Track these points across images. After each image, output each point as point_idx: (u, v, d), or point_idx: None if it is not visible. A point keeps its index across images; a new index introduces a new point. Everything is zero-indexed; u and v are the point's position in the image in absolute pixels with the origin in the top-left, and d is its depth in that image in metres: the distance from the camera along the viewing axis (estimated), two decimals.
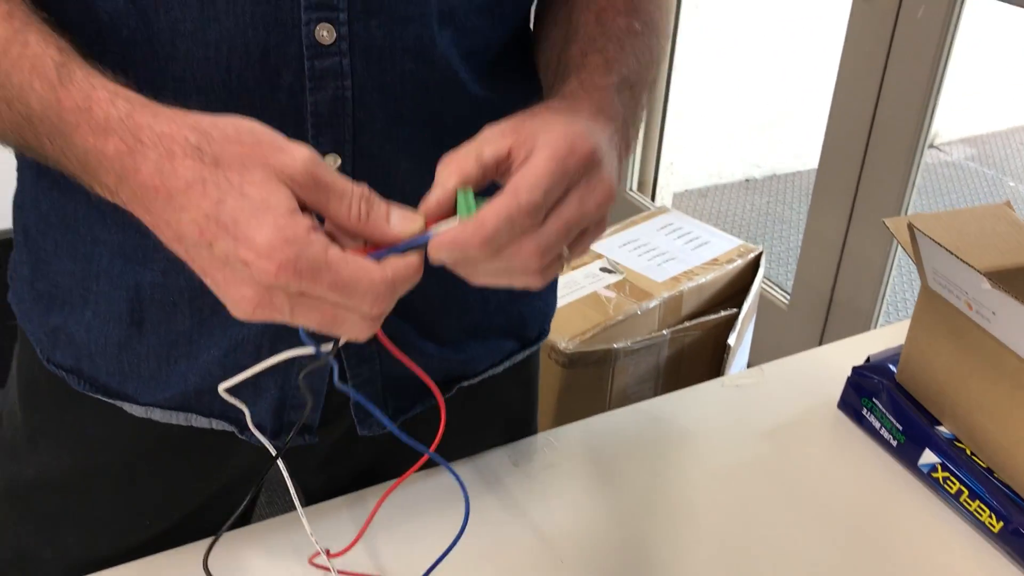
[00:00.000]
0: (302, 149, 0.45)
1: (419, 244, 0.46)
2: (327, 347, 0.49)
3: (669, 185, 2.69)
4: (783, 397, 0.88)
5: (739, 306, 1.34)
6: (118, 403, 0.66)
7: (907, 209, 1.66)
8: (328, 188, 0.45)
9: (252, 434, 0.63)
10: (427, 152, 0.55)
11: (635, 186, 2.51)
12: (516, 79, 0.67)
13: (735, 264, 1.40)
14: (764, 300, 2.02)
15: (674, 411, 0.85)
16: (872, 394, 0.84)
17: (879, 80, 1.64)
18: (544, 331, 0.80)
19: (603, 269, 1.37)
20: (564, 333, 1.23)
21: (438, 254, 0.46)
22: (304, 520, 0.64)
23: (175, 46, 0.54)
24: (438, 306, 0.68)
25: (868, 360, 0.87)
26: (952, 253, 0.73)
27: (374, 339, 0.49)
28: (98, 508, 0.71)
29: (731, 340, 1.27)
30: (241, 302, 0.45)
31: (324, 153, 0.57)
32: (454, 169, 0.48)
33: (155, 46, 0.54)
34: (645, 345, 1.24)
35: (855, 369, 0.86)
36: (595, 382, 1.23)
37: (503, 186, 0.47)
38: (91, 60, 0.49)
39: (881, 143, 1.67)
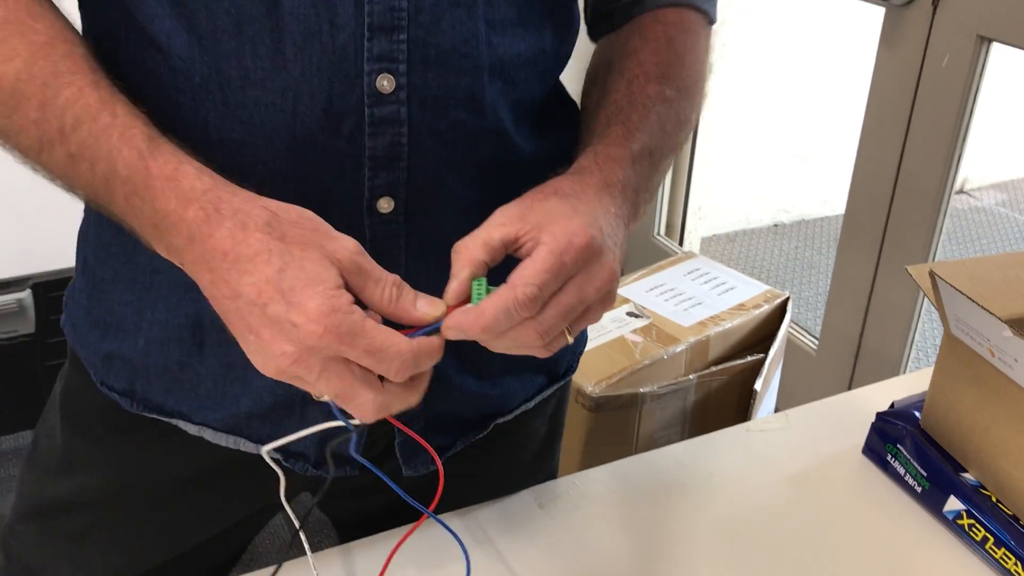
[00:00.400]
0: (350, 240, 0.52)
1: (434, 328, 0.53)
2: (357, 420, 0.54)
3: (697, 230, 2.70)
4: (808, 442, 0.89)
5: (766, 351, 1.34)
6: (173, 421, 0.70)
7: (935, 255, 1.66)
8: (368, 273, 0.52)
9: (298, 462, 0.68)
10: (474, 196, 0.62)
11: (663, 231, 2.52)
12: (557, 130, 0.71)
13: (762, 309, 1.41)
14: (792, 345, 2.02)
15: (699, 456, 0.86)
16: (896, 440, 0.84)
17: (905, 127, 1.65)
18: (572, 367, 0.84)
19: (630, 314, 1.38)
20: (591, 377, 1.24)
21: (448, 335, 0.53)
22: (314, 571, 0.65)
23: (244, 93, 0.58)
24: (478, 348, 0.71)
25: (892, 406, 0.88)
26: (973, 300, 0.74)
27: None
28: (128, 528, 0.75)
29: (758, 385, 1.28)
30: (280, 357, 0.50)
31: (379, 195, 0.62)
32: (465, 261, 0.54)
33: (226, 92, 0.58)
34: (671, 390, 1.25)
35: (879, 415, 0.86)
36: (622, 426, 1.24)
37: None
38: (169, 135, 0.55)
39: (908, 189, 1.67)
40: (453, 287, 0.54)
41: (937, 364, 0.84)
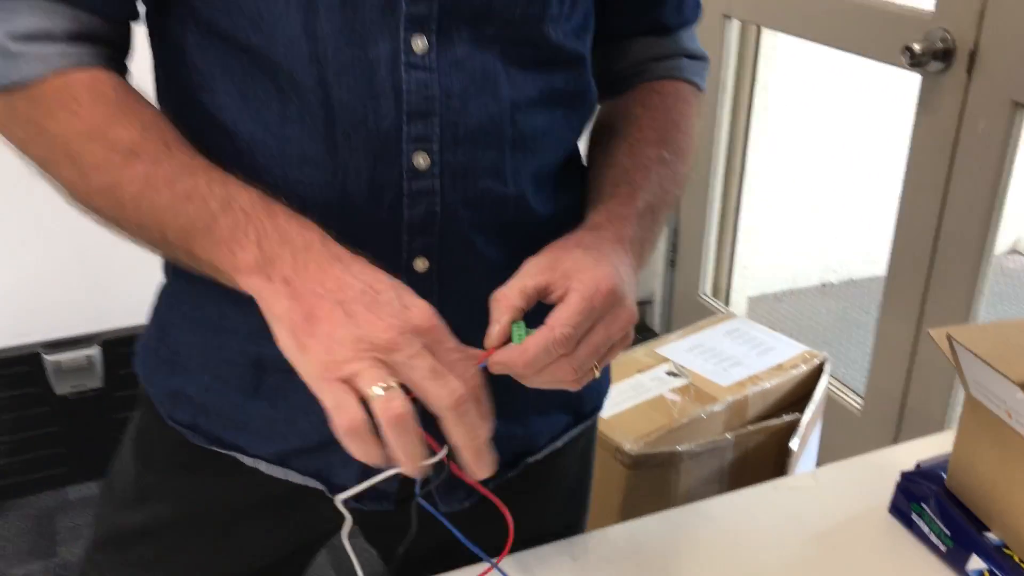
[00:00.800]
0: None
1: (482, 366, 0.61)
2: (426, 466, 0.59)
3: (744, 289, 2.72)
4: (836, 501, 0.91)
5: (803, 411, 1.37)
6: (232, 453, 0.77)
7: (977, 316, 1.67)
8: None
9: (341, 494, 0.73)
10: (499, 254, 0.69)
11: (708, 290, 2.55)
12: (574, 191, 0.79)
13: (799, 370, 1.43)
14: (836, 405, 2.02)
15: (728, 512, 0.89)
16: (921, 499, 0.87)
17: (943, 190, 1.68)
18: (598, 406, 0.90)
19: (669, 373, 1.42)
20: (629, 435, 1.28)
21: (494, 369, 0.61)
22: None
23: (302, 171, 0.67)
24: (507, 389, 0.77)
25: (918, 466, 0.91)
26: (986, 363, 0.77)
27: None
28: (195, 554, 0.82)
29: (793, 444, 1.30)
30: (384, 330, 0.56)
31: (415, 256, 0.69)
32: (505, 307, 0.62)
33: (285, 170, 0.67)
34: (709, 448, 1.28)
35: (904, 475, 0.89)
36: (660, 484, 1.27)
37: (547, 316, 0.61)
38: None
39: (947, 251, 1.70)
40: (496, 331, 0.61)
41: (960, 425, 0.86)
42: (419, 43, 0.65)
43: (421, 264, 0.69)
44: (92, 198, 0.64)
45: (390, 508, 0.78)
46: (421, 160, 0.67)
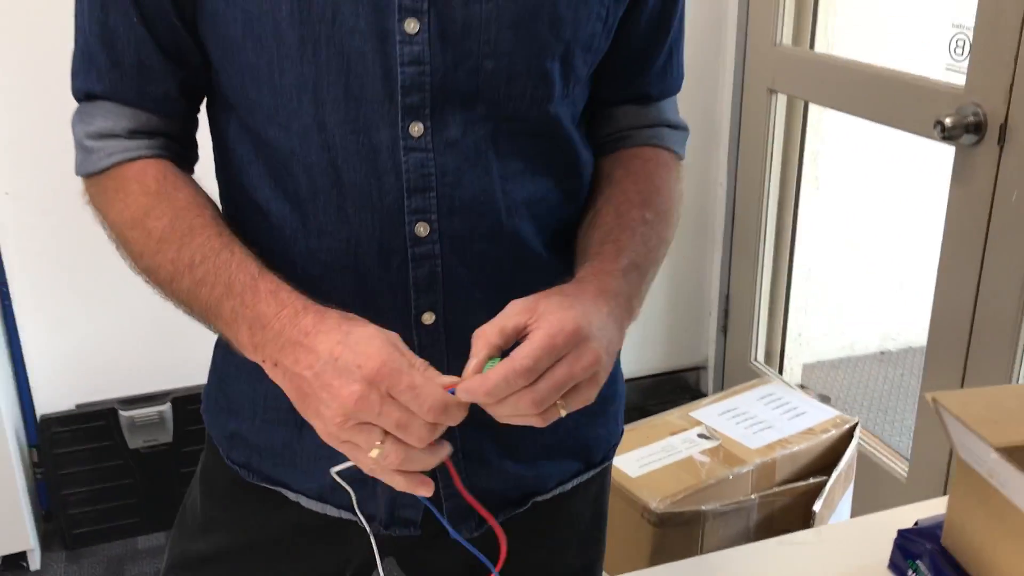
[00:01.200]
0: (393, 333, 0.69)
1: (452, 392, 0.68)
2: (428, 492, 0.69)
3: (798, 356, 2.73)
4: (837, 557, 0.95)
5: (831, 475, 1.39)
6: (279, 489, 0.87)
7: (1018, 381, 1.68)
8: (405, 352, 0.68)
9: (371, 524, 0.83)
10: (499, 305, 0.75)
11: (761, 357, 2.57)
12: (563, 248, 0.85)
13: (830, 434, 1.46)
14: (883, 472, 2.03)
15: (731, 566, 0.94)
16: (917, 556, 0.90)
17: (980, 258, 1.70)
18: (608, 456, 0.96)
19: (700, 435, 1.47)
20: (656, 494, 1.32)
21: (460, 396, 0.67)
22: None
23: (321, 241, 0.77)
24: (517, 429, 0.84)
25: (916, 524, 0.94)
26: (966, 425, 0.82)
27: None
28: None
29: (816, 507, 1.33)
30: (348, 398, 0.64)
31: (423, 311, 0.78)
32: (483, 344, 0.68)
33: (308, 241, 0.77)
34: (734, 508, 1.32)
35: (901, 532, 0.93)
36: (685, 542, 1.31)
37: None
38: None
39: (986, 318, 1.71)
40: (472, 364, 0.68)
41: (952, 486, 0.90)
42: (416, 128, 0.74)
43: (428, 318, 0.78)
44: (145, 276, 0.76)
45: (416, 534, 0.86)
46: (422, 229, 0.76)
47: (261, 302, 0.70)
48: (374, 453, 0.66)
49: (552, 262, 0.83)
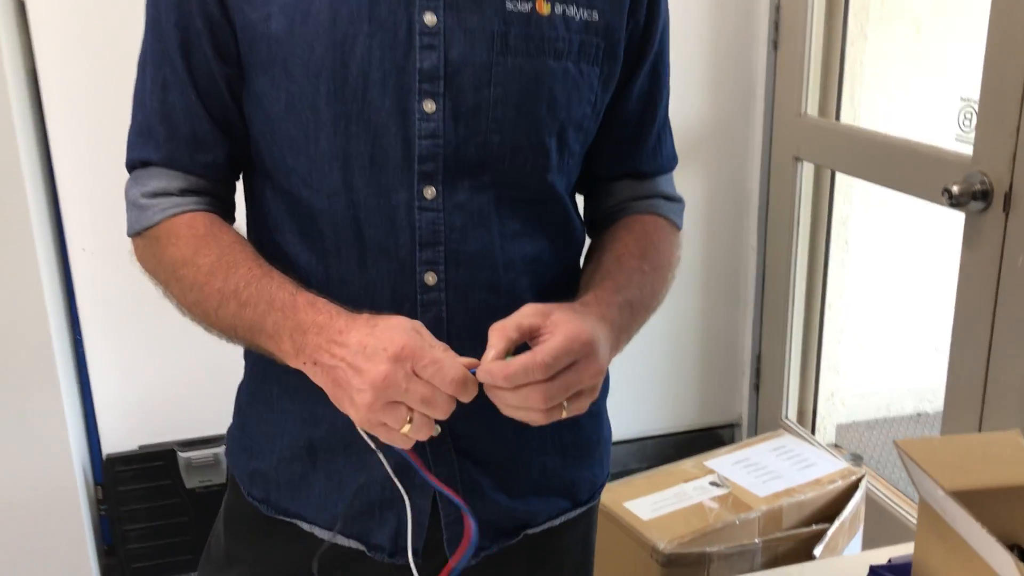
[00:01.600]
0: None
1: (473, 372, 0.77)
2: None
3: (831, 416, 2.78)
4: None
5: (834, 522, 1.47)
6: (294, 521, 0.97)
7: None
8: (428, 338, 0.78)
9: (378, 553, 0.93)
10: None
11: (792, 415, 2.63)
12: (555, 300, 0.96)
13: (836, 485, 1.54)
14: (907, 529, 2.07)
15: None
16: None
17: (990, 321, 1.77)
18: (594, 496, 1.05)
19: (712, 483, 1.55)
20: (665, 535, 1.41)
21: (480, 376, 0.77)
22: None
23: (341, 289, 0.89)
24: (509, 467, 0.95)
25: (889, 561, 1.02)
26: (918, 465, 0.90)
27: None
28: None
29: (817, 551, 1.40)
30: (377, 378, 0.74)
31: None
32: (500, 336, 0.78)
33: (331, 289, 0.89)
34: (738, 551, 1.40)
35: (872, 568, 1.01)
36: None
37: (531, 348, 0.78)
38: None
39: (998, 382, 1.77)
40: (491, 354, 0.77)
41: (918, 524, 0.98)
42: (429, 191, 0.87)
43: None
44: (192, 310, 0.89)
45: (417, 561, 0.95)
46: (430, 278, 0.89)
47: (300, 312, 0.81)
48: (405, 429, 0.76)
49: None
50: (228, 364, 1.02)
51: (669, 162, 1.05)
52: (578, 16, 0.88)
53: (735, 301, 2.67)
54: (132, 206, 0.93)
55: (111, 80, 1.96)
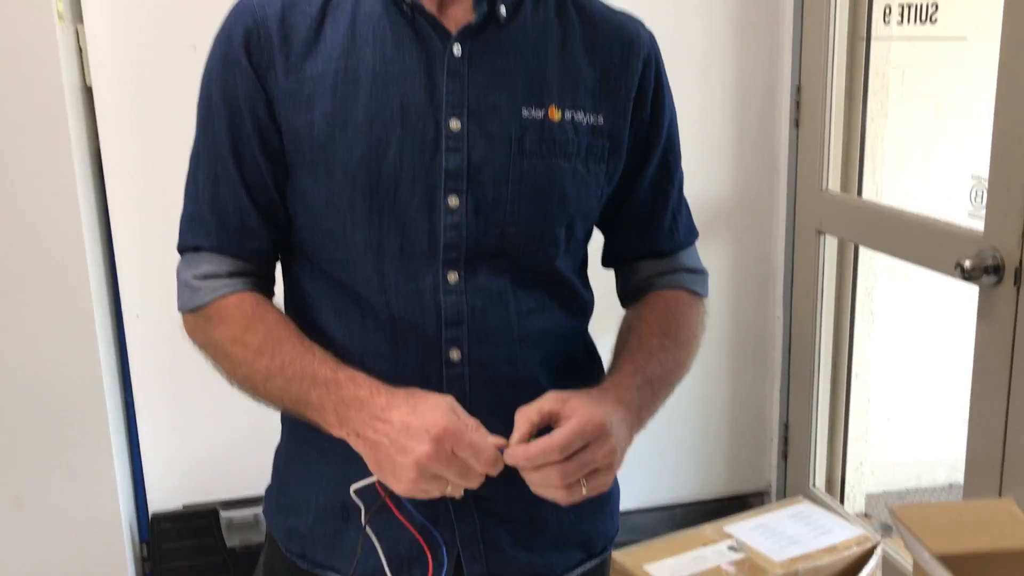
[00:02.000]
0: (451, 396, 0.90)
1: (501, 450, 0.88)
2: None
3: (860, 485, 2.79)
4: None
5: None
6: (328, 573, 1.05)
7: None
8: (462, 414, 0.88)
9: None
10: (506, 419, 0.94)
11: (820, 484, 2.65)
12: (581, 373, 1.05)
13: (852, 551, 1.58)
14: None
15: None
16: None
17: (1006, 393, 1.81)
18: (607, 548, 1.12)
19: (730, 548, 1.60)
20: None
21: (507, 459, 0.87)
22: None
23: (374, 363, 0.97)
24: (528, 523, 1.04)
25: None
26: (909, 529, 0.96)
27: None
28: None
29: None
30: (421, 456, 0.84)
31: None
32: (524, 421, 0.88)
33: (364, 363, 0.97)
34: None
35: None
36: None
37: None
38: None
39: (1016, 454, 1.80)
40: (516, 436, 0.88)
41: None
42: (453, 276, 0.97)
43: None
44: (242, 384, 0.98)
45: None
46: (454, 354, 0.97)
47: (343, 388, 0.91)
48: (446, 491, 0.87)
49: (561, 385, 1.00)
50: (268, 427, 1.12)
51: (688, 238, 1.13)
52: (585, 121, 0.99)
53: (762, 370, 2.72)
54: (184, 286, 1.03)
55: (165, 160, 2.10)
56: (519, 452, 0.86)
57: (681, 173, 1.13)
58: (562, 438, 0.86)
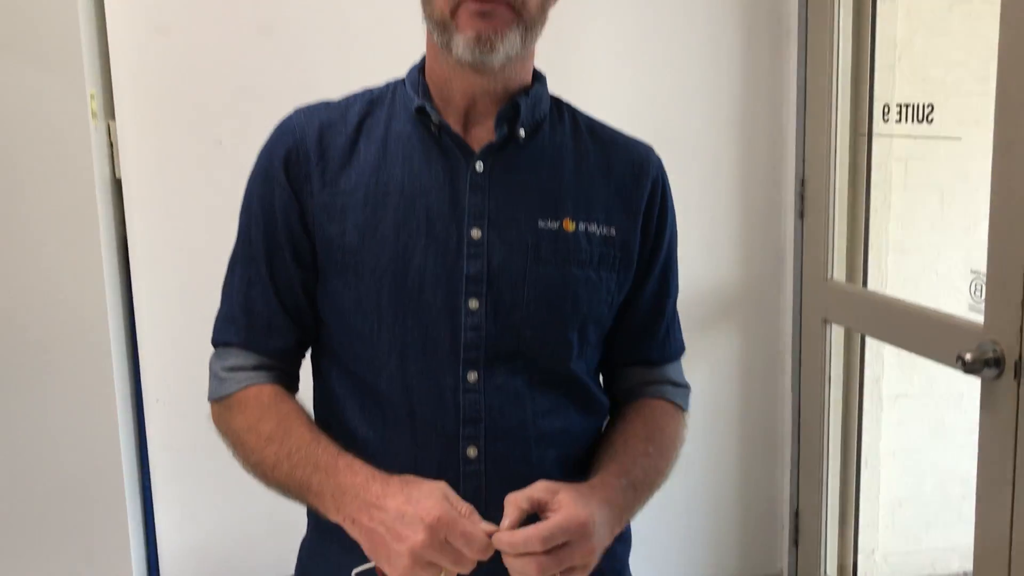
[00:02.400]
0: (444, 483, 0.93)
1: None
2: None
3: (873, 572, 2.78)
4: None
5: None
6: None
7: None
8: (454, 500, 0.91)
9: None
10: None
11: (832, 571, 2.64)
12: (576, 473, 1.09)
13: None
14: None
15: None
16: None
17: (1011, 482, 1.83)
18: None
19: None
20: None
21: (495, 544, 0.89)
22: None
23: (398, 461, 1.01)
24: None
25: None
26: None
27: None
28: None
29: None
30: (416, 544, 0.87)
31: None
32: (514, 508, 0.91)
33: (388, 462, 1.00)
34: None
35: None
36: None
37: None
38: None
39: (1022, 546, 1.81)
40: (506, 523, 0.91)
41: None
42: (472, 376, 1.02)
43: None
44: (254, 470, 1.03)
45: None
46: (472, 451, 1.02)
47: (340, 474, 0.95)
48: None
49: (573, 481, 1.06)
50: (284, 516, 1.16)
51: (677, 351, 1.19)
52: (598, 232, 1.05)
53: (772, 457, 2.74)
54: (214, 377, 1.09)
55: (189, 251, 2.18)
56: (504, 538, 0.89)
57: (677, 288, 1.19)
58: (546, 530, 0.89)
